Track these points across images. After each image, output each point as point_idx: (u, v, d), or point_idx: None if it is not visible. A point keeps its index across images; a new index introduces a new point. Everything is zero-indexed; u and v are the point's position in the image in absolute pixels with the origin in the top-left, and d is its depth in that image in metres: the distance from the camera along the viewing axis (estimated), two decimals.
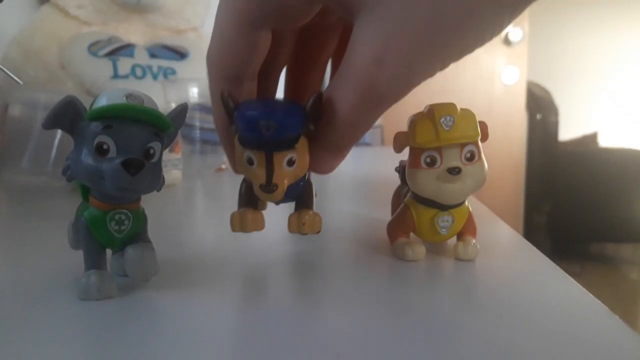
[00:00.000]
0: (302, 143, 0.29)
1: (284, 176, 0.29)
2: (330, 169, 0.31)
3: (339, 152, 0.30)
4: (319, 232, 0.32)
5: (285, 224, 0.32)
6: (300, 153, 0.29)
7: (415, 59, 0.25)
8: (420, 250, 0.34)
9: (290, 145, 0.29)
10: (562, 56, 3.47)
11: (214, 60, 0.30)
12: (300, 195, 0.32)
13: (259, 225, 0.32)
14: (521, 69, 2.45)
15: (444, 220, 0.34)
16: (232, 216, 0.32)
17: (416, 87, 0.27)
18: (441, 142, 0.32)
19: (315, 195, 0.34)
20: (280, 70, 0.34)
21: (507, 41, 2.42)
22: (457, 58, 0.26)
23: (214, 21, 0.30)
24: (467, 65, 2.37)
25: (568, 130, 3.09)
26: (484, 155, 0.33)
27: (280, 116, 0.28)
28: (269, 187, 0.29)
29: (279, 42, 0.31)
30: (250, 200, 0.32)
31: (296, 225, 0.32)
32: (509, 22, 0.26)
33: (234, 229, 0.32)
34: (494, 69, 2.44)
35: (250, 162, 0.29)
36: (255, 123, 0.28)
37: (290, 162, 0.29)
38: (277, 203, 0.33)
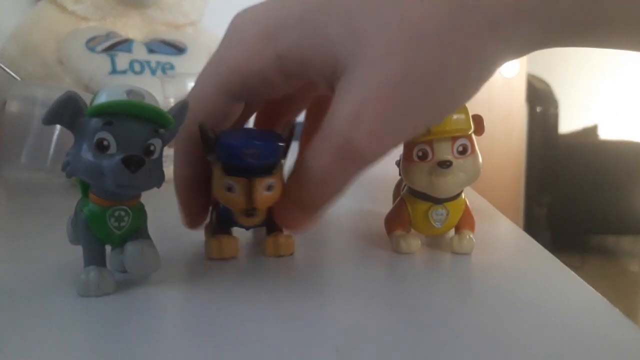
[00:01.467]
0: (279, 170, 0.31)
1: (263, 201, 0.31)
2: (300, 226, 0.31)
3: (310, 211, 0.31)
4: (292, 253, 0.34)
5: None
6: (277, 180, 0.31)
7: (390, 117, 0.26)
8: (414, 243, 0.34)
9: (269, 171, 0.30)
10: (562, 49, 3.46)
11: (187, 115, 0.30)
12: (270, 220, 0.33)
13: (234, 251, 0.34)
14: (521, 62, 2.44)
15: (438, 214, 0.34)
16: (209, 243, 0.34)
17: (391, 148, 0.28)
18: (432, 135, 0.32)
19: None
20: (244, 124, 0.36)
21: None
22: (430, 120, 0.28)
23: (194, 84, 0.32)
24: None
25: (568, 123, 3.08)
26: (478, 148, 0.33)
27: (262, 143, 0.30)
28: (251, 211, 0.31)
29: (247, 108, 0.33)
30: (224, 228, 0.34)
31: (272, 249, 0.34)
32: (480, 86, 0.27)
33: (210, 255, 0.33)
34: None
35: (230, 189, 0.30)
36: (239, 150, 0.30)
37: (269, 188, 0.30)
38: (247, 228, 0.35)
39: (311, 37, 0.27)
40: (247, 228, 0.35)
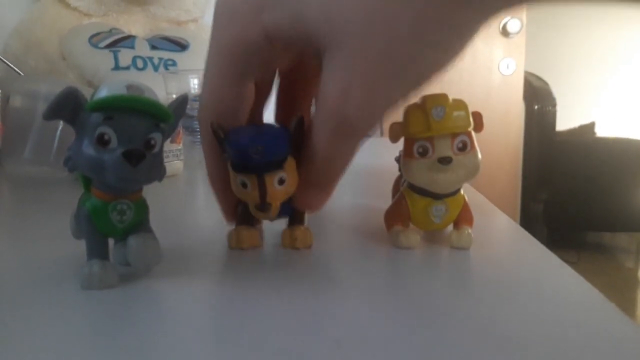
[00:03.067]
0: (290, 163, 0.31)
1: (276, 195, 0.31)
2: (318, 205, 0.33)
3: (323, 188, 0.32)
4: (310, 246, 0.35)
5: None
6: (289, 172, 0.31)
7: (377, 88, 0.28)
8: (414, 238, 0.35)
9: (278, 166, 0.31)
10: (560, 47, 3.46)
11: (206, 113, 0.32)
12: (293, 212, 0.34)
13: (255, 241, 0.35)
14: (519, 60, 2.44)
15: (438, 209, 0.35)
16: (229, 234, 0.35)
17: (382, 116, 0.29)
18: (432, 132, 0.32)
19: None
20: (262, 112, 0.37)
21: (505, 32, 2.41)
22: (414, 88, 0.29)
23: (202, 76, 0.32)
24: (465, 55, 2.36)
25: (565, 121, 3.08)
26: (477, 145, 0.34)
27: (267, 140, 0.31)
28: (263, 206, 0.31)
29: (260, 90, 0.34)
30: (246, 219, 0.35)
31: (289, 241, 0.35)
32: (462, 51, 0.28)
33: (231, 246, 0.35)
34: (492, 60, 2.43)
35: (244, 185, 0.31)
36: (244, 149, 0.30)
37: (281, 181, 0.31)
38: (271, 220, 0.35)
39: (290, 12, 0.28)
40: (272, 220, 0.35)
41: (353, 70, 0.27)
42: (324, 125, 0.30)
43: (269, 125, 0.34)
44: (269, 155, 0.30)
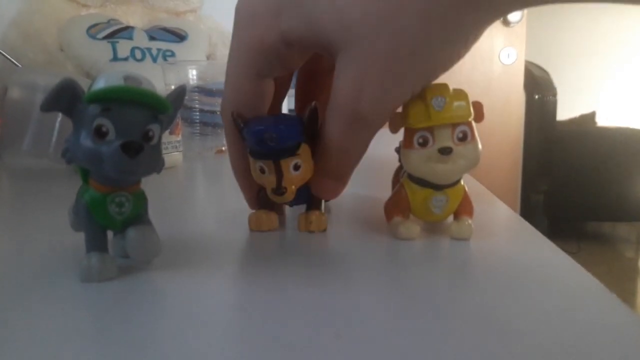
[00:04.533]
0: (305, 150, 0.34)
1: (292, 180, 0.34)
2: (335, 194, 0.36)
3: (338, 178, 0.35)
4: (324, 229, 0.37)
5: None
6: (304, 158, 0.34)
7: (387, 85, 0.30)
8: (414, 229, 0.35)
9: (293, 152, 0.33)
10: (560, 36, 3.45)
11: (228, 107, 0.35)
12: (310, 199, 0.36)
13: (273, 224, 0.37)
14: (519, 49, 2.44)
15: (438, 200, 0.35)
16: (249, 217, 0.37)
17: (395, 109, 0.32)
18: (432, 122, 0.32)
19: (329, 212, 0.41)
20: (281, 104, 0.40)
21: (505, 22, 2.41)
22: (424, 82, 0.31)
23: (225, 73, 0.35)
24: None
25: (566, 110, 3.08)
26: (478, 135, 0.33)
27: (281, 128, 0.33)
28: (279, 190, 0.34)
29: (277, 86, 0.36)
30: (266, 203, 0.37)
31: (304, 224, 0.37)
32: (467, 47, 0.30)
33: (251, 228, 0.37)
34: (493, 49, 2.43)
35: (262, 171, 0.34)
36: (260, 136, 0.32)
37: (296, 167, 0.34)
38: (290, 205, 0.37)
39: (305, 18, 0.30)
40: (291, 205, 0.37)
41: (365, 69, 0.29)
42: (338, 120, 0.32)
43: (284, 115, 0.37)
44: (283, 142, 0.33)
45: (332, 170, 0.34)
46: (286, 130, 0.33)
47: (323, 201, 0.37)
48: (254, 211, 0.37)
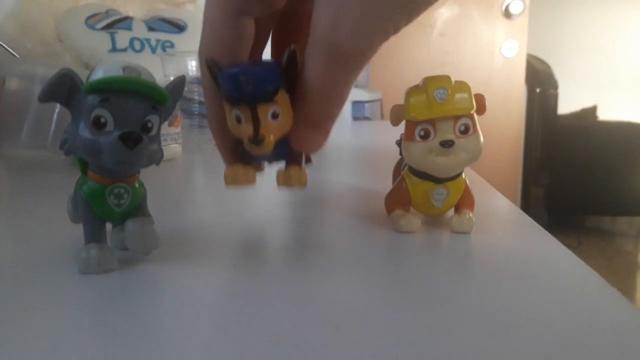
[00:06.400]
0: (283, 97, 0.31)
1: (270, 129, 0.31)
2: (316, 146, 0.32)
3: (320, 126, 0.32)
4: (304, 185, 0.34)
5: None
6: (283, 107, 0.31)
7: (367, 14, 0.27)
8: (414, 222, 0.34)
9: (270, 97, 0.31)
10: (562, 29, 3.44)
11: (205, 51, 0.32)
12: (290, 154, 0.34)
13: (250, 179, 0.34)
14: (521, 42, 2.43)
15: (439, 193, 0.34)
16: (225, 172, 0.34)
17: (375, 46, 0.29)
18: (434, 114, 0.32)
19: (310, 161, 0.37)
20: (261, 55, 0.37)
21: (507, 14, 2.40)
22: (406, 17, 0.28)
23: (203, 15, 0.32)
24: (467, 37, 2.35)
25: (567, 104, 3.07)
26: (479, 128, 0.33)
27: (257, 70, 0.30)
28: (256, 138, 0.31)
29: (258, 29, 0.33)
30: (243, 158, 0.34)
31: (283, 179, 0.33)
32: None
33: (226, 183, 0.34)
34: (494, 42, 2.42)
35: (239, 119, 0.31)
36: (235, 79, 0.30)
37: (274, 115, 0.31)
38: (269, 161, 0.35)
39: None
40: (269, 161, 0.35)
41: (343, 3, 0.27)
42: (316, 55, 0.29)
43: (263, 60, 0.34)
44: (259, 86, 0.30)
45: (312, 117, 0.31)
46: (263, 74, 0.30)
47: (303, 157, 0.35)
48: (229, 167, 0.34)
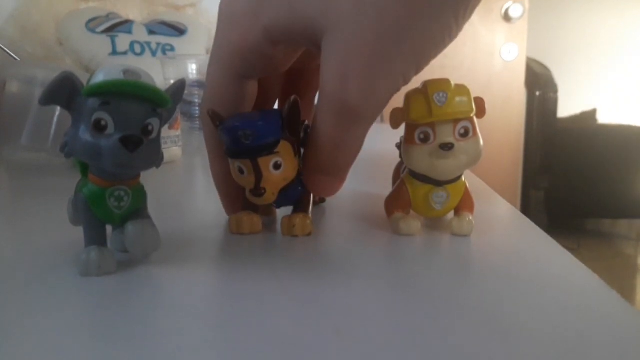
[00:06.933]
0: (285, 147, 0.31)
1: (272, 179, 0.31)
2: (332, 191, 0.33)
3: (333, 174, 0.32)
4: (309, 234, 0.34)
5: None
6: (285, 157, 0.31)
7: (374, 69, 0.27)
8: (414, 225, 0.34)
9: (271, 149, 0.31)
10: (562, 33, 3.44)
11: (207, 108, 0.33)
12: (297, 200, 0.34)
13: (255, 227, 0.35)
14: (521, 46, 2.43)
15: (439, 196, 0.34)
16: (230, 219, 0.35)
17: (385, 100, 0.29)
18: (434, 118, 0.32)
19: (324, 201, 0.39)
20: (272, 106, 0.38)
21: (507, 17, 2.40)
22: (415, 67, 0.28)
23: (207, 72, 0.33)
24: (466, 41, 2.35)
25: (567, 107, 3.08)
26: (479, 131, 0.33)
27: (257, 124, 0.31)
28: (257, 191, 0.31)
29: (266, 88, 0.35)
30: (249, 205, 0.35)
31: (287, 228, 0.34)
32: (457, 24, 0.28)
33: (231, 231, 0.35)
34: (494, 45, 2.42)
35: (242, 171, 0.32)
36: (235, 133, 0.30)
37: (277, 166, 0.31)
38: (277, 207, 0.36)
39: (287, 6, 0.28)
40: (277, 207, 0.36)
41: (349, 54, 0.27)
42: (327, 111, 0.29)
43: (261, 111, 0.34)
44: (259, 139, 0.31)
45: (325, 166, 0.32)
46: (263, 127, 0.31)
47: (311, 203, 0.36)
48: (235, 214, 0.35)
